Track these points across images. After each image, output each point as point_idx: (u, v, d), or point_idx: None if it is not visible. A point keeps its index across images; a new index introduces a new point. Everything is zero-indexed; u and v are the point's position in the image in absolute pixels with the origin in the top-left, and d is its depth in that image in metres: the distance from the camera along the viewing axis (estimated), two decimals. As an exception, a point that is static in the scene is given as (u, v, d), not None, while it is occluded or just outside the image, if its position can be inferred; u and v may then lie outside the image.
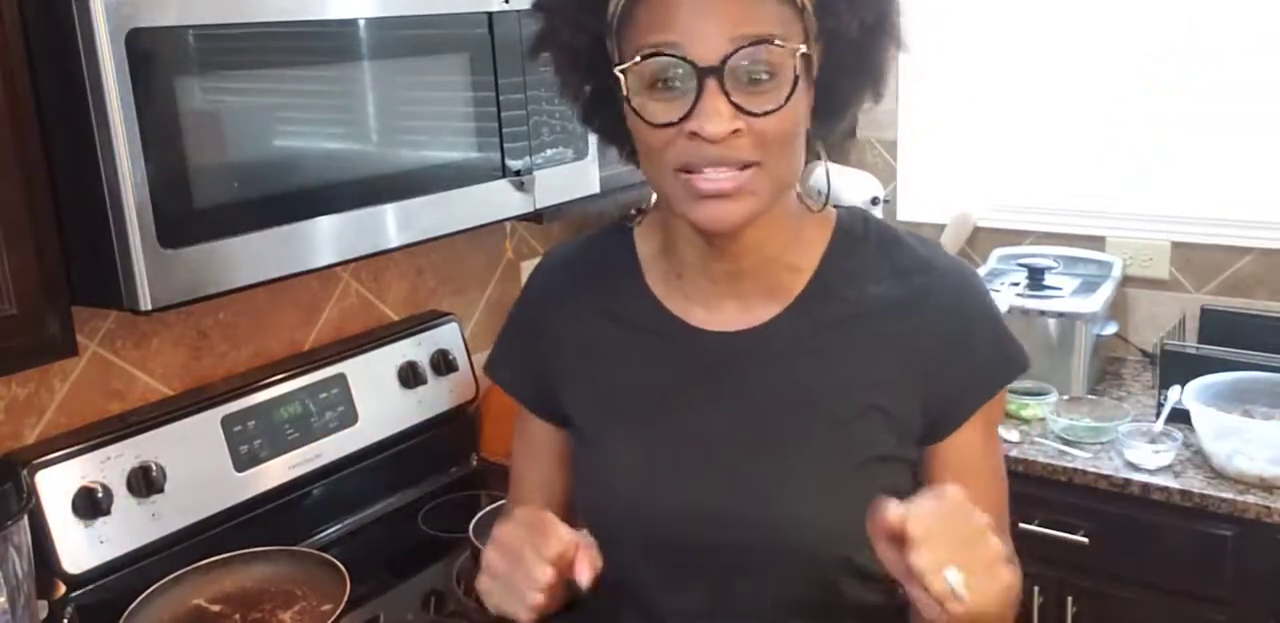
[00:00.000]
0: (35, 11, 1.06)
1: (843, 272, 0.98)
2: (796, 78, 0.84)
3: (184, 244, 1.13)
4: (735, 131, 0.84)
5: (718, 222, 0.87)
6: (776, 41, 0.83)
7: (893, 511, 0.78)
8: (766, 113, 0.84)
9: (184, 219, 1.13)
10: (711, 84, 0.82)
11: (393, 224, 1.36)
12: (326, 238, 1.28)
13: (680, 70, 0.83)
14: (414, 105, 1.40)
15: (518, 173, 1.53)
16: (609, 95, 0.90)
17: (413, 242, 1.40)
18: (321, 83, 1.28)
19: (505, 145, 1.50)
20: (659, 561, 0.99)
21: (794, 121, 0.87)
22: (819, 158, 0.99)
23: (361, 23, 1.29)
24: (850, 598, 0.97)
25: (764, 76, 0.84)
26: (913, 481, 0.99)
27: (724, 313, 0.98)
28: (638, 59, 0.85)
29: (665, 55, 0.83)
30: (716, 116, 0.82)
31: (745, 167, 0.85)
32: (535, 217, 1.62)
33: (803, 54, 0.85)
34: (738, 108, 0.83)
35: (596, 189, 1.68)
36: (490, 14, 1.44)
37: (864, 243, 1.00)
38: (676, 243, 0.99)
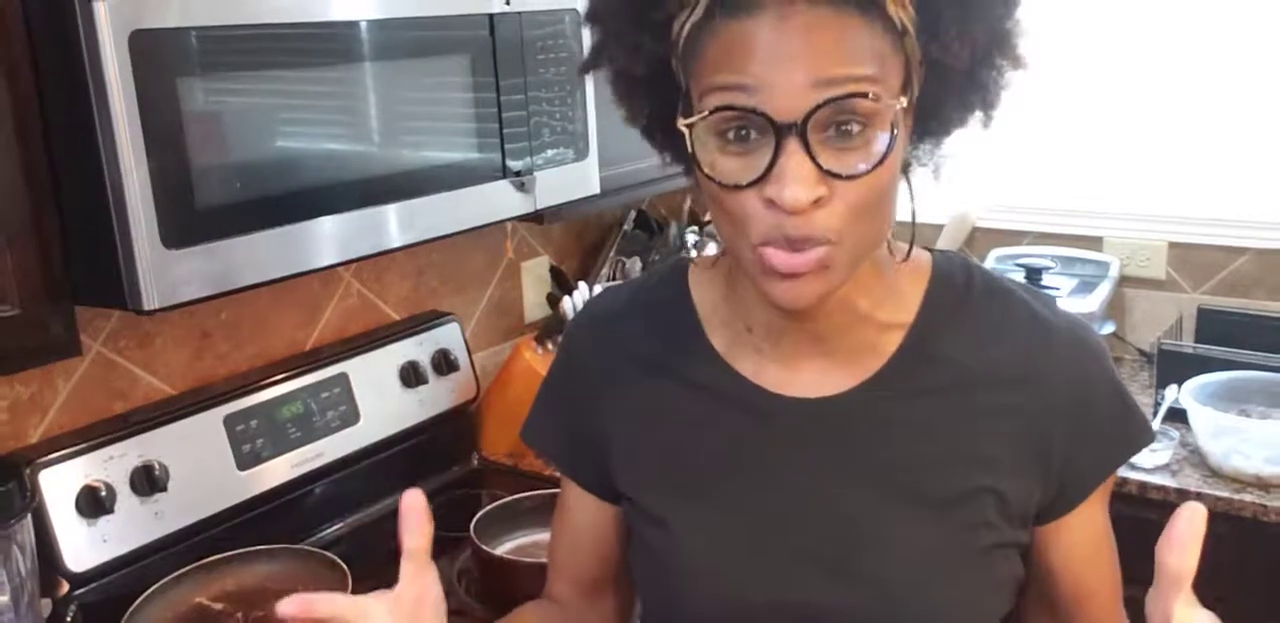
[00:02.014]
0: (39, 13, 1.07)
1: (943, 329, 0.85)
2: (894, 135, 0.71)
3: (187, 244, 1.13)
4: (817, 201, 0.70)
5: (793, 302, 0.75)
6: (871, 94, 0.69)
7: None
8: (856, 175, 0.71)
9: (187, 219, 1.13)
10: (792, 144, 0.69)
11: (394, 224, 1.37)
12: (328, 238, 1.29)
13: (755, 123, 0.71)
14: (415, 106, 1.40)
15: (518, 173, 1.53)
16: (672, 114, 0.78)
17: (414, 242, 1.40)
18: (324, 84, 1.28)
19: (506, 146, 1.51)
20: None
21: (889, 181, 0.74)
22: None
23: (363, 25, 1.29)
24: None
25: (855, 128, 0.71)
26: (1023, 563, 0.89)
27: (803, 375, 0.86)
28: (705, 114, 0.72)
29: (736, 109, 0.70)
30: (796, 183, 0.69)
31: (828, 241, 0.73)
32: (536, 217, 1.62)
33: (901, 107, 0.72)
34: (822, 170, 0.70)
35: (597, 189, 1.69)
36: (491, 16, 1.45)
37: (967, 295, 0.87)
38: (746, 300, 0.87)
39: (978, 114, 0.81)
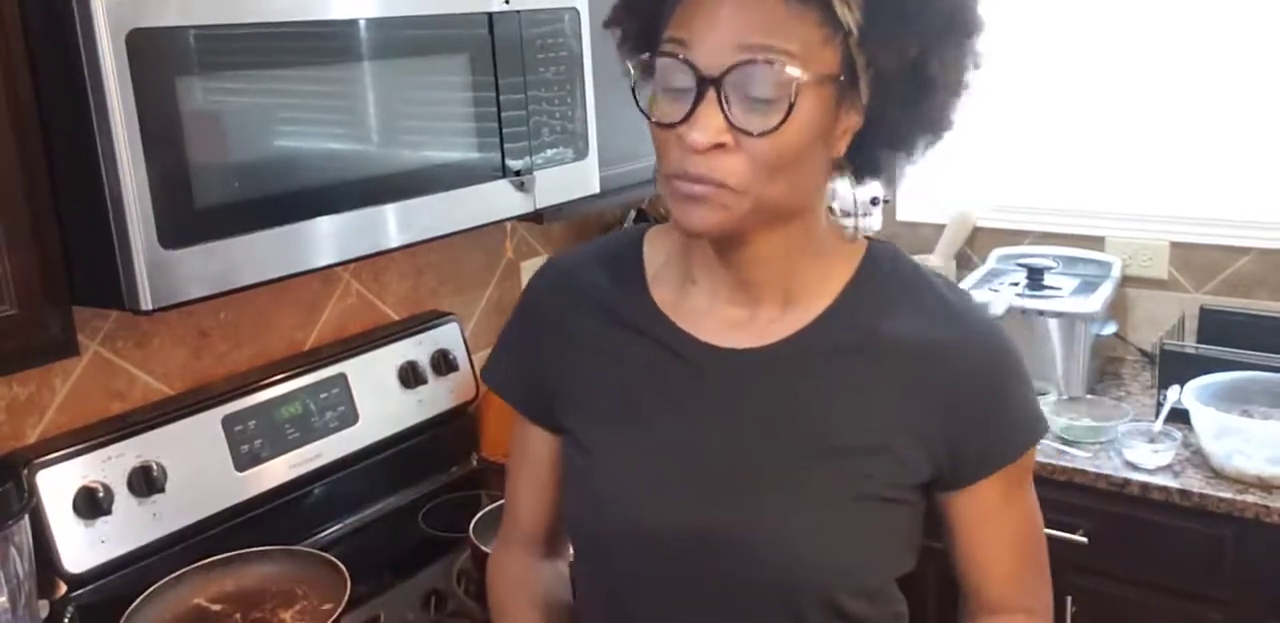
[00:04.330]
0: (36, 11, 1.06)
1: (863, 302, 0.95)
2: (791, 105, 0.80)
3: (185, 244, 1.13)
4: (722, 146, 0.81)
5: (689, 221, 0.86)
6: (777, 63, 0.80)
7: None
8: (752, 133, 0.81)
9: (185, 219, 1.13)
10: (710, 94, 0.81)
11: (393, 224, 1.36)
12: (327, 238, 1.28)
13: (686, 73, 0.82)
14: (414, 105, 1.40)
15: (518, 173, 1.53)
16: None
17: (413, 242, 1.40)
18: (322, 83, 1.28)
19: (505, 145, 1.51)
20: (641, 580, 0.96)
21: (793, 147, 0.83)
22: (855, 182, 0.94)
23: (362, 23, 1.29)
24: None
25: (767, 95, 0.81)
26: (918, 524, 0.97)
27: (735, 329, 0.95)
28: (646, 56, 0.85)
29: (670, 56, 0.82)
30: (701, 128, 0.81)
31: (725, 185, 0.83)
32: (535, 217, 1.62)
33: (805, 81, 0.80)
34: (730, 123, 0.81)
35: (596, 189, 1.69)
36: (490, 14, 1.44)
37: (890, 277, 0.96)
38: (693, 255, 0.97)
39: (925, 136, 0.90)
